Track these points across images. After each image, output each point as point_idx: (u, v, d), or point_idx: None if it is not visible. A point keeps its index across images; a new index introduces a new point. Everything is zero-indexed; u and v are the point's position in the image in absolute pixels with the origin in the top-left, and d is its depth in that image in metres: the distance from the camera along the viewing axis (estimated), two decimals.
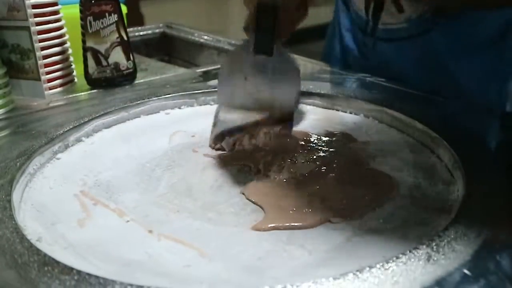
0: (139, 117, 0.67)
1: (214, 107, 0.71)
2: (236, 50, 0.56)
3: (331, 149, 0.56)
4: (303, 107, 0.69)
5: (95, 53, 0.74)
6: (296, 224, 0.43)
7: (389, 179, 0.50)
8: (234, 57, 0.56)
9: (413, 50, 0.75)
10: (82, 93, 0.75)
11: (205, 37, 1.13)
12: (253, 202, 0.46)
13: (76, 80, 0.79)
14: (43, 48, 0.72)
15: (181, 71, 0.88)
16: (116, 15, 0.74)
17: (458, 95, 0.69)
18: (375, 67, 0.79)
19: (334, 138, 0.59)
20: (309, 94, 0.70)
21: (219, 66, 0.88)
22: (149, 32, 1.24)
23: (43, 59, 0.72)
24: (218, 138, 0.57)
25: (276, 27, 0.52)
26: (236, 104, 0.56)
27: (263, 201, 0.46)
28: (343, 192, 0.47)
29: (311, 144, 0.57)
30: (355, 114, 0.66)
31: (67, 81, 0.77)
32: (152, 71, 0.87)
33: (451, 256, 0.35)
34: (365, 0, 0.79)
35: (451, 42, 0.71)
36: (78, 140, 0.60)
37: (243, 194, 0.48)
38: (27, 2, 0.69)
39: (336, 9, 0.92)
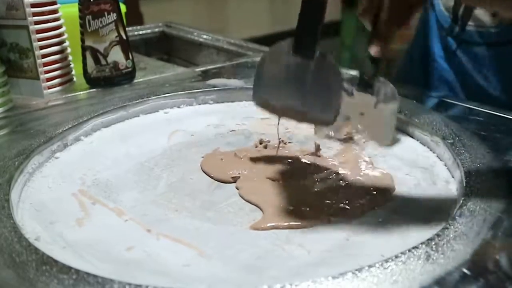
0: (138, 116, 0.67)
1: (213, 106, 0.71)
2: (278, 46, 0.49)
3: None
4: None
5: (94, 52, 0.74)
6: (295, 223, 0.43)
7: (390, 180, 0.49)
8: (273, 53, 0.50)
9: (499, 58, 0.69)
10: (81, 92, 0.74)
11: (204, 36, 1.13)
12: (249, 202, 0.46)
13: (75, 79, 0.79)
14: (42, 47, 0.72)
15: (180, 70, 0.88)
16: (115, 14, 0.74)
17: None
18: (455, 72, 0.74)
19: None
20: None
21: (218, 65, 0.88)
22: (148, 31, 1.24)
23: (42, 58, 0.72)
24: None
25: (320, 26, 0.46)
26: (268, 104, 0.51)
27: (261, 201, 0.46)
28: (343, 192, 0.47)
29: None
30: None
31: (66, 80, 0.77)
32: (151, 70, 0.87)
33: (450, 255, 0.35)
34: (455, 1, 0.74)
35: None
36: (77, 139, 0.60)
37: (237, 189, 0.48)
38: (25, 1, 0.69)
39: (424, 9, 0.83)
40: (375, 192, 0.47)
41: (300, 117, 0.50)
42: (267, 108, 0.50)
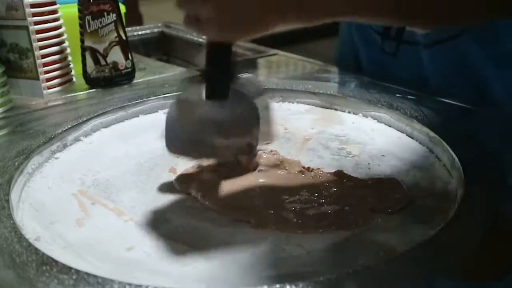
0: (138, 116, 0.67)
1: None
2: (181, 98, 0.49)
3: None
4: (302, 106, 0.69)
5: (94, 53, 0.74)
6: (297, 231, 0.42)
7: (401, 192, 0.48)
8: (182, 102, 0.49)
9: (441, 56, 0.68)
10: (81, 93, 0.74)
11: (204, 37, 1.13)
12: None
13: (74, 79, 0.79)
14: (41, 48, 0.72)
15: (179, 70, 0.88)
16: (114, 15, 0.74)
17: (488, 104, 0.63)
18: (392, 74, 0.73)
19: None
20: (307, 94, 0.70)
21: None
22: (148, 31, 1.24)
23: (42, 58, 0.72)
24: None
25: (231, 66, 0.46)
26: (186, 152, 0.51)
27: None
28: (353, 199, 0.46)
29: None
30: (353, 113, 0.66)
31: (66, 80, 0.77)
32: (151, 71, 0.87)
33: (449, 255, 0.35)
34: None
35: (484, 48, 0.64)
36: (77, 140, 0.60)
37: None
38: (25, 2, 0.69)
39: None
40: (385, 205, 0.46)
41: (222, 152, 0.49)
42: (187, 155, 0.51)
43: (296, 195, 0.46)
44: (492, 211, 0.40)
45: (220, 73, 0.46)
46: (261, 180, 0.49)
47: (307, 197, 0.46)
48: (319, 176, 0.49)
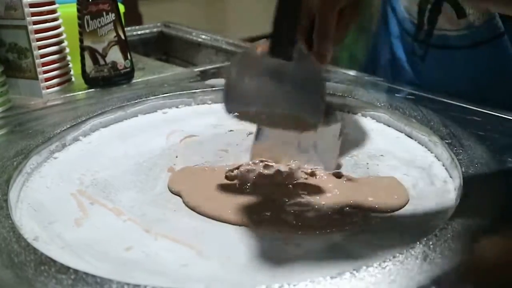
0: (137, 116, 0.67)
1: (212, 106, 0.71)
2: (247, 51, 0.46)
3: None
4: None
5: (93, 52, 0.74)
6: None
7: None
8: (244, 59, 0.46)
9: (476, 59, 0.66)
10: (80, 92, 0.74)
11: (203, 36, 1.13)
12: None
13: (73, 79, 0.79)
14: (40, 47, 0.72)
15: (178, 70, 0.88)
16: (113, 14, 0.74)
17: None
18: (423, 78, 0.72)
19: None
20: None
21: (217, 65, 0.88)
22: (147, 31, 1.24)
23: (41, 58, 0.72)
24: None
25: (297, 24, 0.42)
26: (250, 114, 0.46)
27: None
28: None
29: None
30: (352, 113, 0.66)
31: (65, 80, 0.77)
32: (150, 70, 0.87)
33: (448, 255, 0.35)
34: (420, 2, 0.70)
35: None
36: (76, 139, 0.60)
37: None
38: (24, 1, 0.68)
39: (384, 13, 0.82)
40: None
41: (283, 123, 0.46)
42: (244, 116, 0.46)
43: (296, 198, 0.46)
44: (491, 211, 0.40)
45: (287, 29, 0.42)
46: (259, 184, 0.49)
47: (306, 200, 0.46)
48: (318, 177, 0.49)
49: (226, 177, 0.49)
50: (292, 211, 0.44)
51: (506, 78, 0.64)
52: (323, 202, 0.45)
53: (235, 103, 0.45)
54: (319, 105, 0.45)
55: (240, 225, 0.43)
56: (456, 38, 0.67)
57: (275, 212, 0.44)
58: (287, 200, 0.46)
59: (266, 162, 0.50)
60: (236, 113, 0.45)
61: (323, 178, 0.49)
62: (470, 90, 0.65)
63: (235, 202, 0.46)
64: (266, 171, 0.49)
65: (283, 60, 0.43)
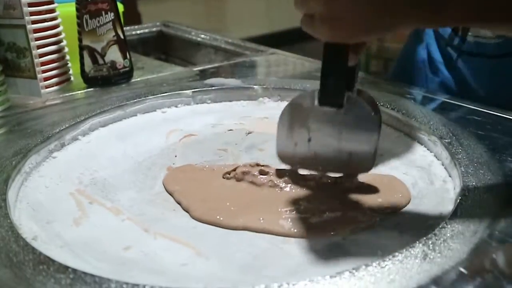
0: (136, 115, 0.67)
1: (211, 105, 0.71)
2: (299, 98, 0.46)
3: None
4: None
5: (92, 52, 0.74)
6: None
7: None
8: (294, 109, 0.46)
9: (500, 70, 0.66)
10: (79, 92, 0.74)
11: (202, 36, 1.13)
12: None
13: (72, 78, 0.79)
14: (39, 47, 0.72)
15: (178, 69, 0.88)
16: (112, 14, 0.74)
17: None
18: (455, 82, 0.72)
19: None
20: None
21: (216, 64, 0.88)
22: (146, 30, 1.24)
23: (39, 57, 0.72)
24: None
25: (345, 71, 0.42)
26: (296, 161, 0.48)
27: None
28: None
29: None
30: None
31: (64, 79, 0.77)
32: (149, 70, 0.87)
33: (447, 254, 0.35)
34: None
35: None
36: (74, 139, 0.60)
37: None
38: (23, 1, 0.68)
39: None
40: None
41: (336, 169, 0.47)
42: (295, 163, 0.48)
43: (294, 206, 0.45)
44: (491, 210, 0.40)
45: (335, 77, 0.42)
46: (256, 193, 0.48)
47: (305, 207, 0.45)
48: (316, 182, 0.48)
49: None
50: (290, 218, 0.43)
51: None
52: (323, 205, 0.45)
53: (287, 156, 0.48)
54: (371, 151, 0.45)
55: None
56: (490, 46, 0.67)
57: (272, 218, 0.43)
58: (285, 205, 0.45)
59: (262, 165, 0.50)
60: (286, 160, 0.48)
61: (322, 180, 0.49)
62: (498, 98, 0.64)
63: (230, 205, 0.45)
64: (262, 174, 0.49)
65: (334, 108, 0.44)
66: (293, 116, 0.47)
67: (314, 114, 0.45)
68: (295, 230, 0.41)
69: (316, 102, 0.44)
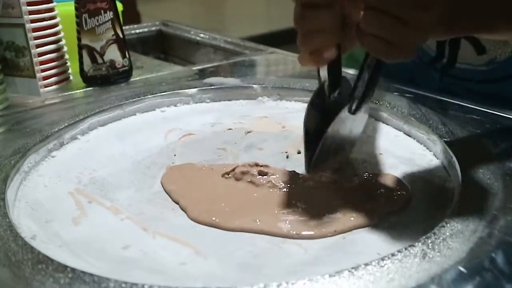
0: (135, 115, 0.67)
1: (210, 104, 0.71)
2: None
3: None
4: (300, 104, 0.69)
5: (91, 51, 0.74)
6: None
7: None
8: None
9: (489, 94, 0.64)
10: (78, 91, 0.74)
11: (201, 35, 1.13)
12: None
13: (71, 77, 0.79)
14: (38, 46, 0.72)
15: (177, 69, 0.88)
16: (111, 13, 0.74)
17: None
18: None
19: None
20: (305, 92, 0.70)
21: (215, 64, 0.88)
22: (145, 30, 1.24)
23: (38, 56, 0.72)
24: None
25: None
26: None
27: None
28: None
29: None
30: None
31: (63, 78, 0.77)
32: (148, 69, 0.87)
33: (446, 253, 0.35)
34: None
35: None
36: (73, 138, 0.60)
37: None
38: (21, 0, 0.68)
39: None
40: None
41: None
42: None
43: (293, 207, 0.45)
44: (490, 210, 0.40)
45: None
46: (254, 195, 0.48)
47: (304, 208, 0.44)
48: (315, 182, 0.48)
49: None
50: (288, 219, 0.43)
51: None
52: (322, 206, 0.45)
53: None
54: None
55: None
56: (474, 72, 0.66)
57: (269, 219, 0.43)
58: (283, 206, 0.45)
59: (261, 165, 0.50)
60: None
61: (321, 180, 0.49)
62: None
63: (227, 206, 0.45)
64: (261, 174, 0.49)
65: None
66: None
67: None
68: (294, 232, 0.41)
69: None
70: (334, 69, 0.47)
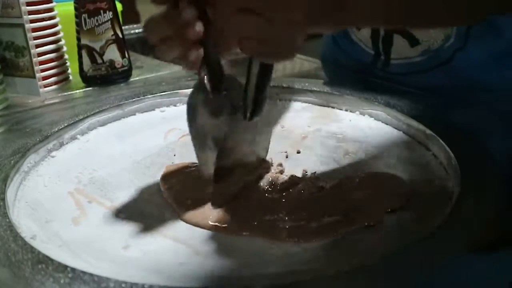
0: (134, 114, 0.67)
1: None
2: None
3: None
4: (299, 104, 0.69)
5: (90, 51, 0.74)
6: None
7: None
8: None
9: (437, 78, 0.65)
10: (77, 91, 0.74)
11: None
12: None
13: (71, 77, 0.79)
14: (37, 46, 0.72)
15: (176, 68, 0.88)
16: (111, 13, 0.74)
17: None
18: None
19: None
20: (304, 92, 0.70)
21: None
22: None
23: (38, 56, 0.72)
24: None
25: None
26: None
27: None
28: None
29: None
30: (350, 111, 0.66)
31: (62, 78, 0.77)
32: (148, 69, 0.87)
33: (446, 253, 0.35)
34: (372, 31, 0.68)
35: (487, 54, 0.60)
36: (73, 138, 0.60)
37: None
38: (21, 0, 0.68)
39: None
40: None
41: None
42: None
43: (291, 211, 0.44)
44: (490, 209, 0.40)
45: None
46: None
47: (303, 212, 0.44)
48: (314, 184, 0.48)
49: None
50: (287, 225, 0.42)
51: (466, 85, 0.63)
52: (322, 208, 0.44)
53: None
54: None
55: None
56: (414, 64, 0.66)
57: (266, 225, 0.42)
58: (281, 210, 0.44)
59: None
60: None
61: (320, 182, 0.48)
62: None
63: (221, 210, 0.45)
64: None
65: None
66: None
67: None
68: (293, 238, 0.41)
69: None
70: (210, 68, 0.45)
